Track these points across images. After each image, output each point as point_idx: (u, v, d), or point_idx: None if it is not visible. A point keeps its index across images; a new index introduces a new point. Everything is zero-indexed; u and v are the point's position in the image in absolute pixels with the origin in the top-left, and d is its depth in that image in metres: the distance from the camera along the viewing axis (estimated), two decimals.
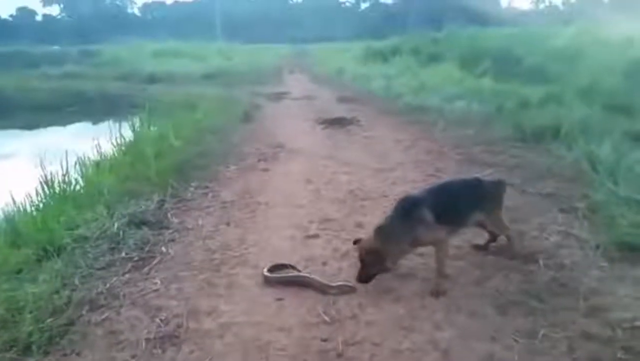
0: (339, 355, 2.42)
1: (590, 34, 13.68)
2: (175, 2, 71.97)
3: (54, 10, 69.99)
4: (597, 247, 3.41)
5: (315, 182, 5.11)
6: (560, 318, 2.65)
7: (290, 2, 73.29)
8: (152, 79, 18.05)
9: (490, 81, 10.76)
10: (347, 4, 71.91)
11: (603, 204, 3.98)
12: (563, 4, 48.93)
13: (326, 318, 2.72)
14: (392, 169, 5.50)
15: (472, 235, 3.56)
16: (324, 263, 3.36)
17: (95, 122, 12.95)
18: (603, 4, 41.19)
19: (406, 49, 18.22)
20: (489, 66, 12.31)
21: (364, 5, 70.62)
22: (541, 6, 48.64)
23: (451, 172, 5.25)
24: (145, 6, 72.58)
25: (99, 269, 3.35)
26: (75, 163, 5.61)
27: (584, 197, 4.20)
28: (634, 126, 5.92)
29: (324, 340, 2.54)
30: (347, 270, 3.23)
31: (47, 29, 59.13)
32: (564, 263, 3.19)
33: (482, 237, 3.50)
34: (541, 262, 3.19)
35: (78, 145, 6.47)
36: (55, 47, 28.47)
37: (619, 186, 4.22)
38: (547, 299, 2.81)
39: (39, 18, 67.99)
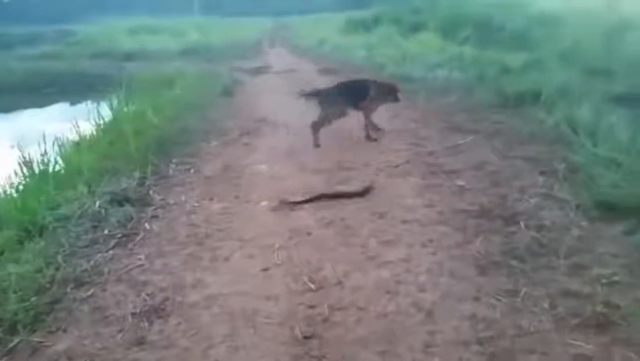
0: (325, 320, 2.45)
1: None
2: None
3: None
4: (577, 207, 3.46)
5: (298, 154, 5.09)
6: (541, 276, 2.70)
7: None
8: (129, 57, 17.64)
9: (471, 49, 10.71)
10: None
11: (583, 165, 4.03)
12: None
13: (312, 285, 2.74)
14: (376, 138, 5.49)
15: (452, 197, 3.60)
16: (309, 233, 3.38)
17: (73, 103, 12.68)
18: None
19: (387, 18, 18.01)
20: (470, 34, 12.26)
21: None
22: None
23: (435, 139, 5.27)
24: None
25: (82, 247, 3.33)
26: (53, 143, 5.50)
27: (564, 159, 4.24)
28: (612, 88, 5.97)
29: (311, 307, 2.56)
30: (329, 240, 3.25)
31: (19, 10, 57.38)
32: (544, 224, 3.23)
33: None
34: (522, 224, 3.24)
35: (57, 126, 6.36)
36: (30, 28, 27.60)
37: (598, 147, 4.27)
38: (528, 259, 2.86)
39: None
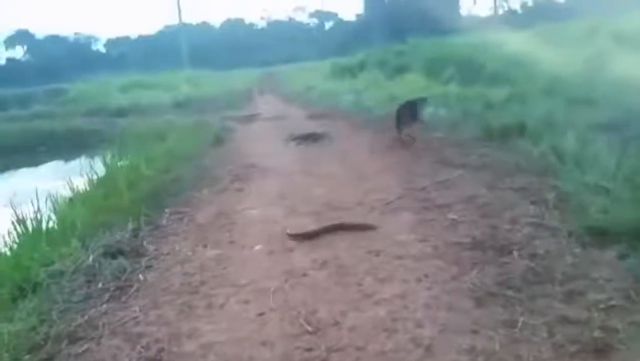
0: None
1: (548, 34, 14.12)
2: (140, 36, 71.78)
3: (18, 52, 69.08)
4: (569, 234, 3.48)
5: (289, 198, 5.13)
6: (538, 305, 2.69)
7: (255, 27, 73.79)
8: (122, 113, 17.87)
9: (455, 87, 11.00)
10: (312, 24, 72.74)
11: (572, 193, 4.09)
12: (521, 8, 50.21)
13: (309, 328, 2.71)
14: (367, 178, 5.56)
15: (445, 231, 3.62)
16: (304, 275, 3.36)
17: (67, 160, 12.79)
18: (559, 5, 42.52)
19: (372, 63, 18.53)
20: (454, 73, 12.62)
21: (327, 25, 71.51)
22: (500, 12, 49.89)
23: (425, 175, 5.33)
24: (109, 42, 71.97)
25: (76, 302, 3.29)
26: (46, 200, 5.52)
27: (553, 188, 4.29)
28: (595, 116, 6.11)
29: (308, 350, 2.53)
30: (325, 280, 3.24)
31: (12, 72, 58.38)
32: (537, 253, 3.24)
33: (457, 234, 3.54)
34: (515, 253, 3.25)
35: (51, 184, 6.40)
36: (23, 89, 28.00)
37: (585, 175, 4.34)
38: (523, 288, 2.85)
39: (2, 62, 67.10)
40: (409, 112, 7.19)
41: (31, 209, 5.02)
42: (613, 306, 2.62)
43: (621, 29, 11.75)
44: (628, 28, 11.51)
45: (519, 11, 48.92)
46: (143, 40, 69.39)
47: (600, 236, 3.38)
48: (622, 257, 3.12)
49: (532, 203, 4.11)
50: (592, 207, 3.70)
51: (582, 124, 5.83)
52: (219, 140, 9.10)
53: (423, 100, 7.67)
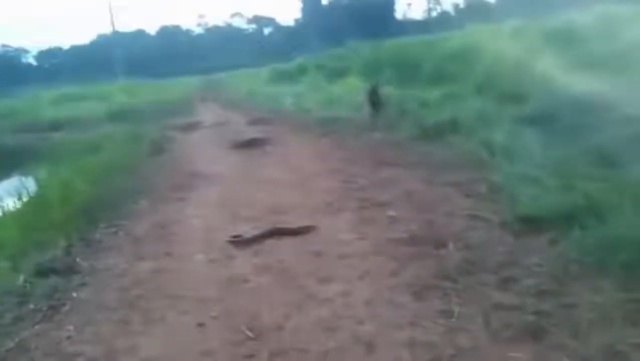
0: None
1: (480, 34, 14.63)
2: (72, 46, 69.11)
3: None
4: (502, 224, 3.62)
5: (231, 204, 5.06)
6: (474, 294, 2.78)
7: (193, 34, 72.68)
8: (55, 127, 17.09)
9: (393, 89, 11.19)
10: (250, 30, 72.41)
11: (503, 184, 4.25)
12: (454, 9, 52.05)
13: (250, 334, 2.67)
14: (307, 181, 5.57)
15: (384, 228, 3.67)
16: (246, 281, 3.32)
17: None
18: (490, 6, 44.30)
19: (312, 67, 18.62)
20: (391, 75, 12.82)
21: (266, 30, 71.45)
22: (434, 14, 51.51)
23: (363, 175, 5.40)
24: (41, 54, 68.90)
25: (6, 325, 3.11)
26: None
27: (485, 181, 4.45)
28: (523, 111, 6.37)
29: (249, 356, 2.49)
30: (267, 284, 3.21)
31: None
32: (472, 244, 3.35)
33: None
34: (451, 246, 3.34)
35: None
36: None
37: (515, 166, 4.51)
38: (459, 279, 2.93)
39: None
40: (376, 96, 8.24)
41: None
42: (545, 290, 2.74)
43: (549, 29, 12.33)
44: (555, 28, 12.10)
45: (452, 13, 50.62)
46: (76, 50, 66.88)
47: (531, 224, 3.53)
48: (552, 243, 3.27)
49: (466, 196, 4.24)
50: (523, 197, 3.86)
51: (512, 119, 6.07)
52: (157, 150, 8.85)
53: (379, 86, 8.76)
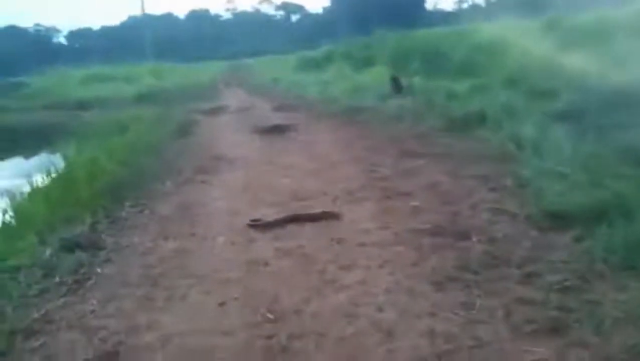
0: (284, 349, 2.41)
1: (511, 27, 14.36)
2: (102, 27, 70.09)
3: None
4: (527, 218, 3.57)
5: (254, 188, 5.09)
6: (496, 287, 2.75)
7: (221, 19, 72.93)
8: (84, 106, 17.40)
9: (420, 79, 11.08)
10: (278, 16, 72.35)
11: (530, 179, 4.18)
12: (485, 2, 51.10)
13: (270, 316, 2.70)
14: (331, 168, 5.56)
15: (406, 218, 3.65)
16: (266, 264, 3.35)
17: (27, 156, 12.36)
18: (522, 0, 43.32)
19: (339, 55, 18.54)
20: (419, 65, 12.69)
21: (294, 17, 71.30)
22: (464, 5, 50.69)
23: (388, 165, 5.37)
24: (71, 34, 70.13)
25: (32, 297, 3.19)
26: (2, 195, 5.37)
27: (512, 175, 4.39)
28: (553, 107, 6.25)
29: (269, 337, 2.52)
30: (287, 269, 3.23)
31: None
32: (496, 237, 3.31)
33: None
34: (474, 238, 3.31)
35: (10, 181, 6.21)
36: None
37: (543, 161, 4.44)
38: (481, 271, 2.91)
39: None
40: (397, 82, 10.26)
41: None
42: (568, 287, 2.69)
43: (582, 24, 12.04)
44: (588, 23, 11.81)
45: (483, 5, 49.69)
46: (106, 31, 67.80)
47: (558, 220, 3.48)
48: (578, 239, 3.21)
49: (492, 189, 4.19)
50: (550, 192, 3.80)
51: (542, 114, 5.96)
52: (183, 132, 8.95)
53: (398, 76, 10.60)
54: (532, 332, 2.37)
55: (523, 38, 12.35)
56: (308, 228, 3.88)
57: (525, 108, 6.34)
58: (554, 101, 6.72)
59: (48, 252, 3.76)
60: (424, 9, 51.19)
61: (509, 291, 2.70)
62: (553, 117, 5.84)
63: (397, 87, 10.21)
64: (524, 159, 4.65)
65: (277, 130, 8.37)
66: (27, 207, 5.09)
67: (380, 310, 2.64)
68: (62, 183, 5.83)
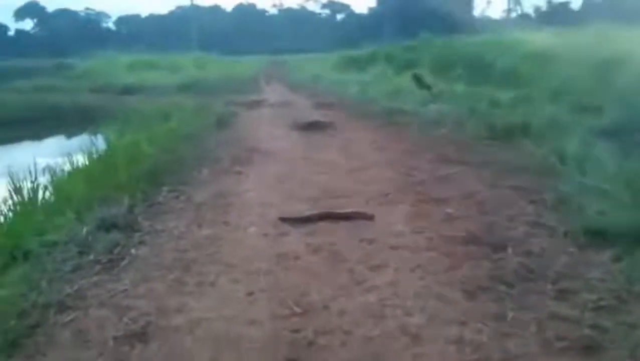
0: (310, 344, 2.41)
1: (559, 38, 14.00)
2: (150, 14, 71.71)
3: (27, 24, 68.95)
4: (565, 234, 3.47)
5: (288, 183, 5.11)
6: (529, 301, 2.68)
7: (267, 14, 73.58)
8: (127, 91, 17.85)
9: (463, 86, 10.93)
10: (323, 15, 72.49)
11: (571, 194, 4.06)
12: (535, 12, 49.95)
13: (297, 309, 2.71)
14: (366, 169, 5.54)
15: (441, 224, 3.60)
16: (296, 258, 3.36)
17: (69, 136, 12.76)
18: (573, 11, 42.25)
19: (381, 57, 18.44)
20: (462, 72, 12.52)
21: (339, 16, 71.28)
22: (513, 15, 49.66)
23: (425, 169, 5.31)
24: (119, 20, 71.93)
25: (66, 272, 3.28)
26: (44, 171, 5.53)
27: (553, 189, 4.27)
28: (599, 122, 6.07)
29: (296, 331, 2.52)
30: (317, 264, 3.23)
31: (20, 44, 58.32)
32: (532, 250, 3.23)
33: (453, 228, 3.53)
34: (510, 250, 3.23)
35: (52, 158, 6.40)
36: (28, 60, 27.75)
37: (586, 177, 4.31)
38: (515, 284, 2.84)
39: (11, 33, 66.96)
40: (420, 81, 10.64)
41: (29, 180, 5.02)
42: (604, 306, 2.61)
43: (632, 37, 11.66)
44: (637, 37, 11.43)
45: (532, 15, 48.59)
46: (153, 19, 69.27)
47: (597, 238, 3.37)
48: (616, 259, 3.10)
49: (531, 202, 4.09)
50: (591, 209, 3.68)
51: (587, 128, 5.80)
52: (222, 124, 9.07)
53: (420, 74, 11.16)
54: (564, 349, 2.30)
55: (572, 49, 12.04)
56: (340, 226, 3.87)
57: (570, 122, 6.18)
58: (599, 117, 6.54)
59: (85, 230, 3.85)
60: (471, 15, 50.37)
61: (543, 306, 2.63)
62: (598, 133, 5.67)
63: (420, 84, 10.48)
64: (566, 174, 4.53)
65: (315, 126, 8.38)
66: (66, 185, 5.22)
67: (408, 313, 2.61)
68: (103, 164, 5.97)
